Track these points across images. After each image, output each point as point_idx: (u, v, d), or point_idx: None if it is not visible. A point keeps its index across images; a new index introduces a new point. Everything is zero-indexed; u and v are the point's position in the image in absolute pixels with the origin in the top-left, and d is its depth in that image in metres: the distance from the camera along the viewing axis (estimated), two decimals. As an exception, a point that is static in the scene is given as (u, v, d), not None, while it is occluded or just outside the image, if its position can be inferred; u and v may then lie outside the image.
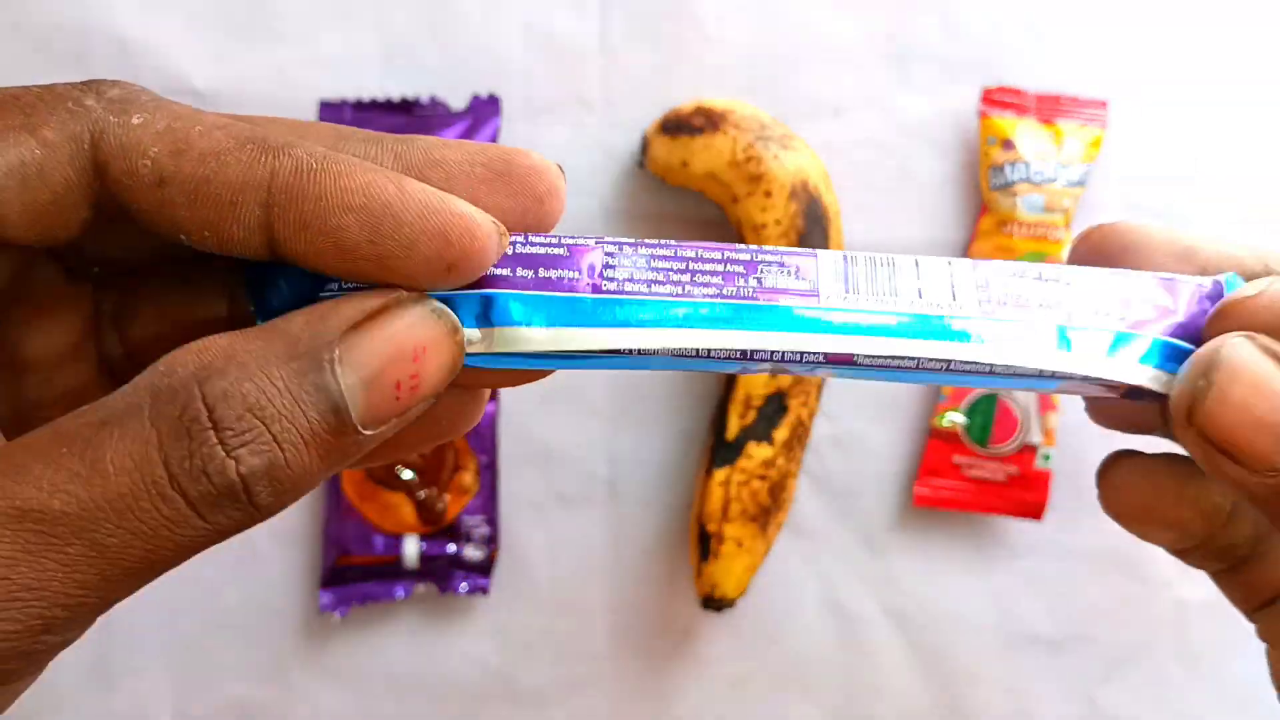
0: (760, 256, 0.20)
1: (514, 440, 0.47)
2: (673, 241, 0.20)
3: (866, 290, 0.20)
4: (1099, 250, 0.22)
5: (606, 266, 0.20)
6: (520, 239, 0.20)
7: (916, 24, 0.47)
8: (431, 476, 0.45)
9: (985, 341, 0.20)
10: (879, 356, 0.20)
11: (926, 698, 0.48)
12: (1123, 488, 0.22)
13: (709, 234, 0.47)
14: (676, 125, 0.44)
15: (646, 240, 0.20)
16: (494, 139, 0.45)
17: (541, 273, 0.19)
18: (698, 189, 0.45)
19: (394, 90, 0.45)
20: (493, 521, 0.46)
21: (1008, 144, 0.46)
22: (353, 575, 0.45)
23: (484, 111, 0.45)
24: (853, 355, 0.20)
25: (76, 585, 0.15)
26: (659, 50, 0.46)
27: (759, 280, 0.20)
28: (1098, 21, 0.47)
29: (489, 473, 0.46)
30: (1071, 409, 0.46)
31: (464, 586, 0.46)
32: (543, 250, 0.20)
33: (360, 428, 0.17)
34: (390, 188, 0.17)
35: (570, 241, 0.20)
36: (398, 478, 0.45)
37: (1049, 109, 0.46)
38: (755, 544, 0.44)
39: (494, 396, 0.46)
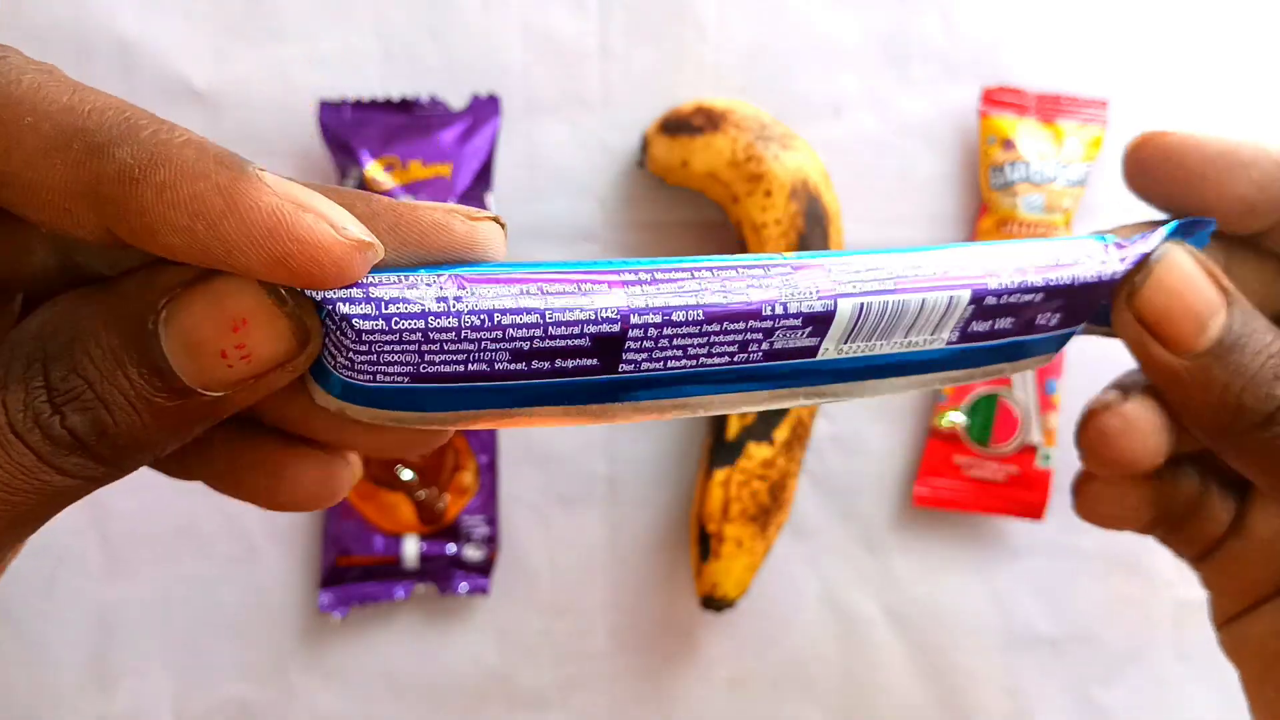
0: (782, 323, 0.20)
1: (514, 440, 0.47)
2: (697, 304, 0.19)
3: (863, 341, 0.21)
4: (1148, 165, 0.25)
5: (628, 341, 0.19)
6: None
7: (916, 24, 0.47)
8: (431, 476, 0.45)
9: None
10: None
11: (926, 698, 0.48)
12: (1098, 502, 0.26)
13: (709, 234, 0.47)
14: (676, 125, 0.44)
15: (672, 305, 0.19)
16: (494, 139, 0.45)
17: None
18: (698, 189, 0.45)
19: (394, 90, 0.45)
20: (493, 521, 0.46)
21: (1008, 144, 0.46)
22: (352, 575, 0.45)
23: (484, 111, 0.45)
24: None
25: None
26: (659, 50, 0.46)
27: (770, 343, 0.20)
28: (1098, 21, 0.47)
29: (489, 473, 0.46)
30: (1072, 409, 0.46)
31: (464, 586, 0.46)
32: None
33: (200, 389, 0.17)
34: (218, 203, 0.16)
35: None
36: (398, 478, 0.45)
37: (1049, 109, 0.46)
38: (755, 544, 0.44)
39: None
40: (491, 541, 0.46)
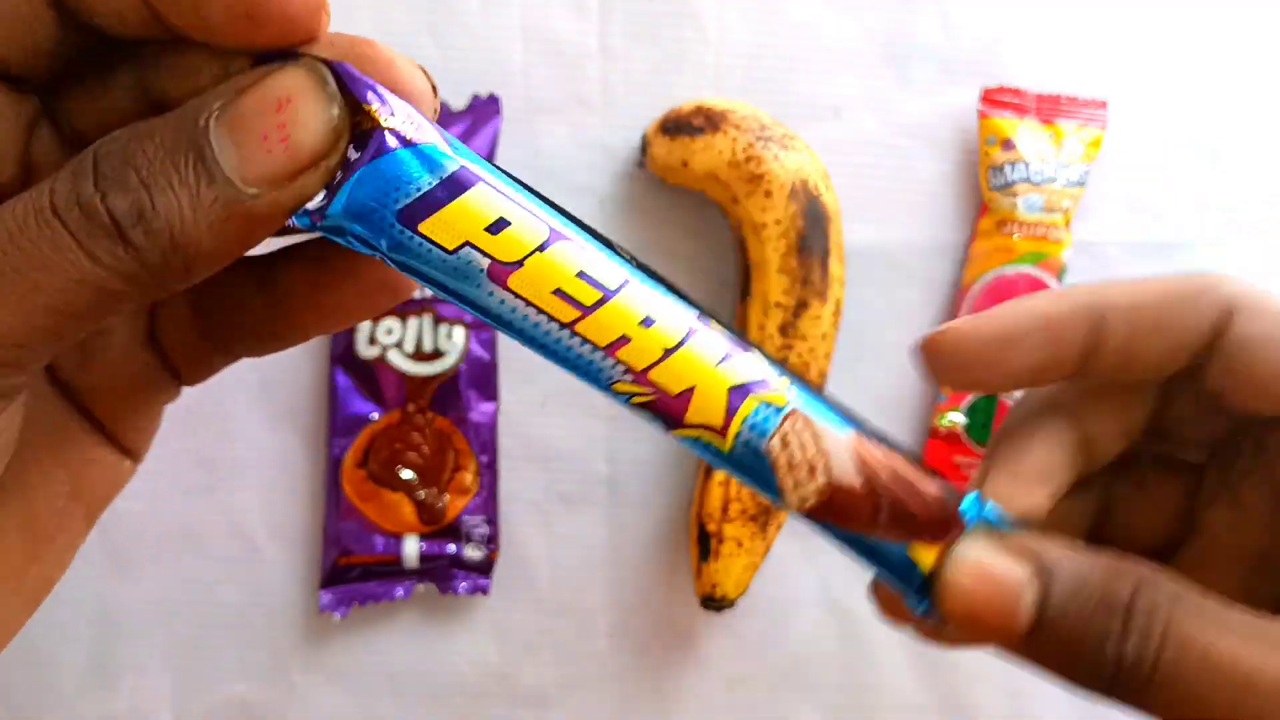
0: None
1: (514, 440, 0.47)
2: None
3: None
4: (941, 364, 0.24)
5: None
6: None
7: (916, 24, 0.47)
8: (432, 476, 0.45)
9: None
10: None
11: (927, 698, 0.48)
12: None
13: (709, 234, 0.47)
14: (676, 125, 0.44)
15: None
16: (494, 139, 0.45)
17: None
18: (698, 189, 0.45)
19: (394, 90, 0.45)
20: (493, 521, 0.46)
21: (1007, 144, 0.46)
22: (353, 575, 0.45)
23: (484, 111, 0.45)
24: None
25: None
26: (659, 50, 0.46)
27: None
28: (1098, 21, 0.47)
29: (489, 473, 0.46)
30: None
31: (464, 586, 0.46)
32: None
33: (240, 182, 0.18)
34: None
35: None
36: (398, 477, 0.45)
37: (1049, 109, 0.46)
38: (755, 544, 0.44)
39: (494, 397, 0.46)
40: (491, 541, 0.46)
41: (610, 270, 0.20)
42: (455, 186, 0.19)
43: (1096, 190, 0.47)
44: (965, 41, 0.47)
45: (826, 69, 0.47)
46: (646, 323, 0.20)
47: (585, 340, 0.20)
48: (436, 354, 0.45)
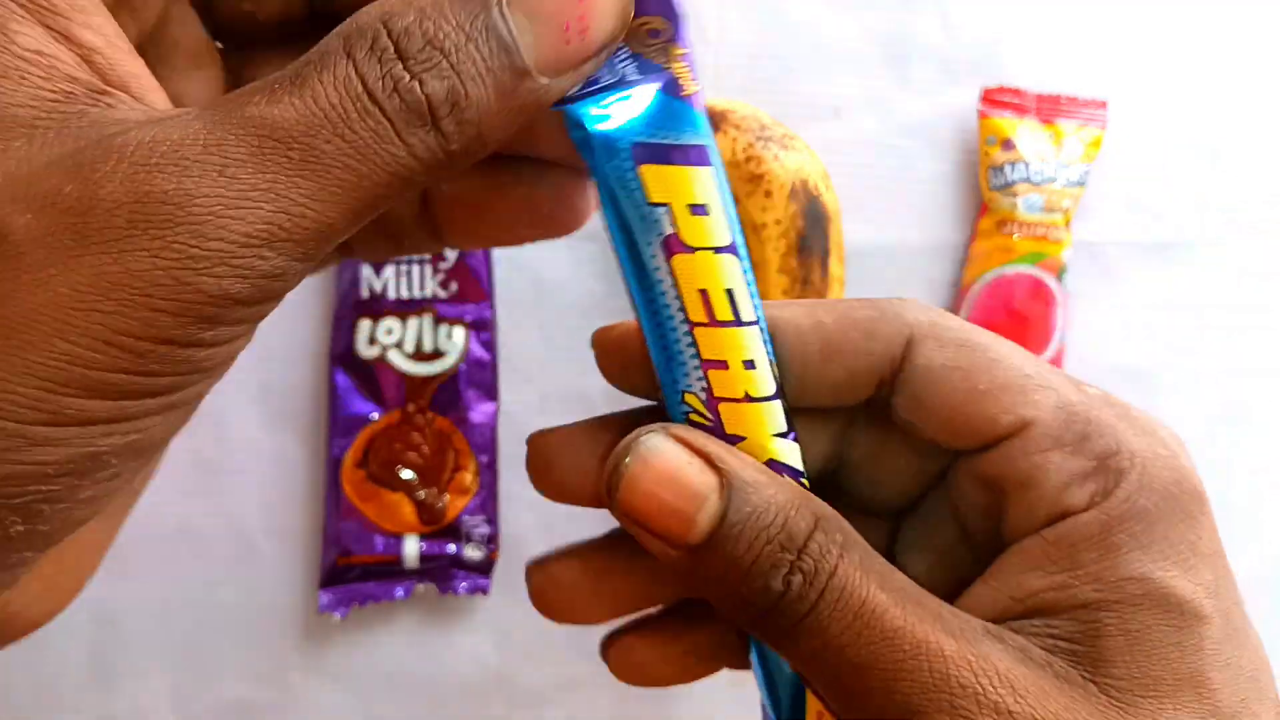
0: None
1: (514, 440, 0.47)
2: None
3: None
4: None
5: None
6: None
7: (916, 24, 0.47)
8: (432, 476, 0.45)
9: None
10: None
11: (926, 698, 0.48)
12: (550, 589, 0.25)
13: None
14: (676, 125, 0.44)
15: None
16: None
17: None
18: (698, 189, 0.45)
19: (394, 90, 0.45)
20: (493, 521, 0.46)
21: (1008, 144, 0.46)
22: (353, 575, 0.45)
23: (484, 111, 0.45)
24: None
25: (301, 193, 0.16)
26: (659, 50, 0.46)
27: None
28: (1098, 21, 0.47)
29: (489, 473, 0.46)
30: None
31: (464, 586, 0.46)
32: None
33: (534, 71, 0.17)
34: None
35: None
36: (398, 477, 0.45)
37: (1049, 109, 0.46)
38: (755, 544, 0.44)
39: (494, 397, 0.46)
40: (491, 541, 0.46)
41: (749, 308, 0.21)
42: (692, 156, 0.20)
43: (1096, 190, 0.47)
44: (965, 41, 0.47)
45: (826, 69, 0.47)
46: (748, 365, 0.21)
47: (694, 344, 0.21)
48: (436, 354, 0.45)
